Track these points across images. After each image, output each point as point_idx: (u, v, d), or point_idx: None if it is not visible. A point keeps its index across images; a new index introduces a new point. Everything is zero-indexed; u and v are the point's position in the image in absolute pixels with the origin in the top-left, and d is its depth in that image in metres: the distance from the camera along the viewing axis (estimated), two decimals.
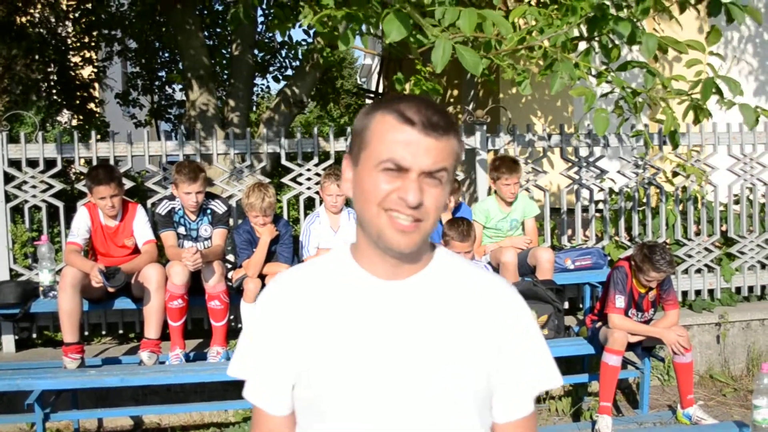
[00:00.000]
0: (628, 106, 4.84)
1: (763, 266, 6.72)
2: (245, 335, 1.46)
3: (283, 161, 6.01)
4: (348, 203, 5.40)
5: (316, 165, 5.99)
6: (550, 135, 6.36)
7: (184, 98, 13.36)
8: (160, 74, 13.64)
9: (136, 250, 5.08)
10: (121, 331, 5.74)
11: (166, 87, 13.84)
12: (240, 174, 5.92)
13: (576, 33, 4.80)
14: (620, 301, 4.65)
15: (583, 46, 5.05)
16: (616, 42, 4.88)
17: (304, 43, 8.38)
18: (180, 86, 13.14)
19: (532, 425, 1.43)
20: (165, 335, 4.90)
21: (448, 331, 1.34)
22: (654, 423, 4.83)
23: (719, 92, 4.68)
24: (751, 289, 6.68)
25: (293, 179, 6.00)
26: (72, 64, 11.83)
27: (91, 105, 12.00)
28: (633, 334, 4.67)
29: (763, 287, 6.71)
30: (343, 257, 1.43)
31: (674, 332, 4.63)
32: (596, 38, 4.67)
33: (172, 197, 5.12)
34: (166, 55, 13.47)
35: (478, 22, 3.80)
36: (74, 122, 11.81)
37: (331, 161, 5.96)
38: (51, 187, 5.69)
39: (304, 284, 1.42)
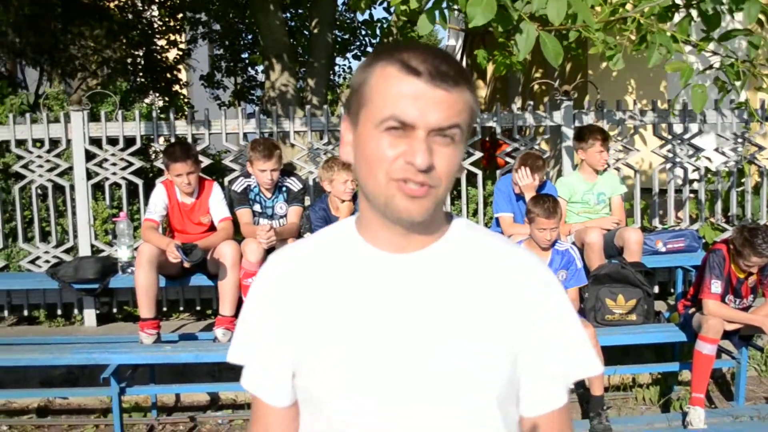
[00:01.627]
0: (729, 79, 4.48)
1: None
2: (242, 318, 1.31)
3: None
4: None
5: None
6: (642, 111, 6.01)
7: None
8: (243, 56, 13.78)
9: (211, 228, 5.05)
10: (198, 308, 5.76)
11: (249, 68, 13.98)
12: (317, 152, 5.83)
13: (671, 1, 4.48)
14: (716, 286, 4.33)
15: (678, 17, 4.73)
16: (716, 9, 4.53)
17: (384, 21, 8.22)
18: (262, 67, 13.27)
19: (566, 419, 1.25)
20: (239, 311, 4.85)
21: (465, 310, 1.17)
22: (751, 417, 4.50)
23: None
24: None
25: None
26: (158, 47, 12.05)
27: (176, 87, 12.21)
28: (729, 322, 4.36)
29: None
30: (346, 231, 1.27)
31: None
32: (694, 5, 4.33)
33: (247, 175, 5.06)
34: (249, 37, 13.59)
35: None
36: (160, 103, 12.04)
37: None
38: (130, 164, 5.74)
39: (302, 262, 1.26)
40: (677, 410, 4.74)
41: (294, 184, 5.09)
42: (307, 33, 11.87)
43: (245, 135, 5.86)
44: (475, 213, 6.06)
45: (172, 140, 5.67)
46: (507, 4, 3.48)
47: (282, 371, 1.25)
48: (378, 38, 8.57)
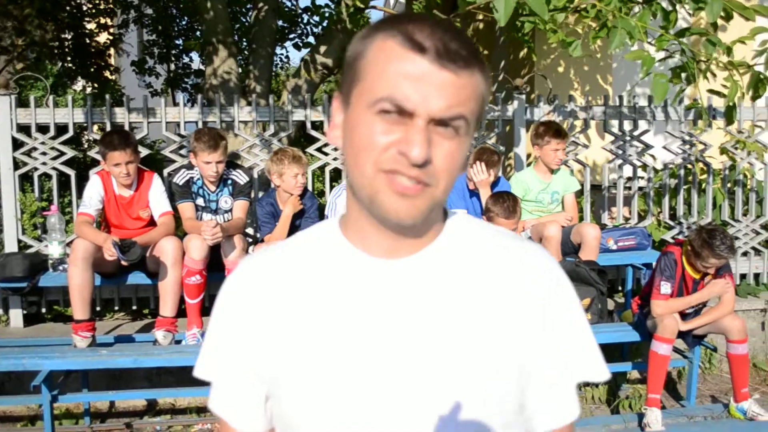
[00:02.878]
0: (688, 70, 4.43)
1: None
2: (212, 328, 1.12)
3: (309, 130, 5.65)
4: None
5: None
6: (590, 106, 5.96)
7: (202, 67, 13.13)
8: (177, 42, 13.33)
9: (151, 222, 4.76)
10: (134, 307, 5.45)
11: (183, 56, 13.53)
12: (264, 143, 5.57)
13: None
14: (666, 287, 4.31)
15: (636, 10, 4.66)
16: (674, 6, 4.49)
17: (328, 8, 7.99)
18: (198, 54, 12.86)
19: (574, 430, 1.10)
20: (181, 312, 4.60)
21: (466, 324, 1.00)
22: (705, 417, 4.49)
23: None
24: None
25: (318, 149, 5.65)
26: (87, 31, 11.52)
27: (106, 73, 11.70)
28: (683, 318, 4.35)
29: None
30: (329, 232, 1.09)
31: (717, 285, 4.29)
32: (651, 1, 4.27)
33: (190, 166, 4.79)
34: (184, 22, 13.15)
35: None
36: (88, 90, 11.51)
37: None
38: (62, 154, 5.38)
39: (279, 267, 1.08)
40: (626, 409, 4.71)
41: (240, 177, 4.85)
42: (245, 20, 11.55)
43: (186, 124, 5.56)
44: None
45: (108, 128, 5.32)
46: None
47: (256, 393, 1.08)
48: (324, 26, 8.33)
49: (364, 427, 0.99)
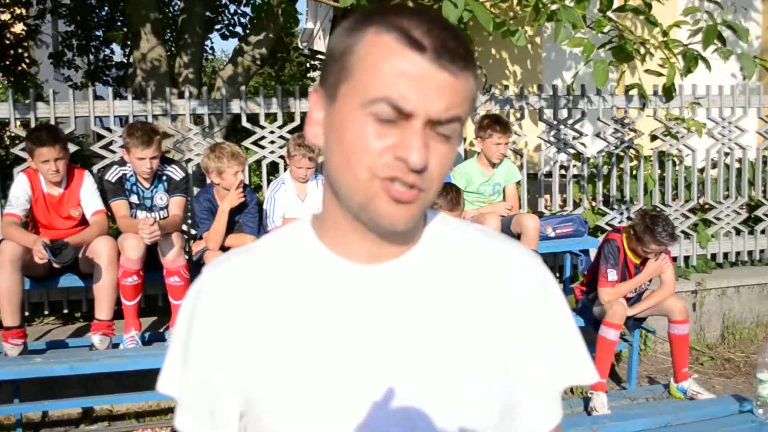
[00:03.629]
0: (627, 53, 4.50)
1: (738, 232, 6.57)
2: (176, 339, 1.05)
3: (244, 122, 5.52)
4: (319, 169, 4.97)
5: (280, 127, 5.52)
6: (525, 95, 6.02)
7: (125, 59, 12.72)
8: (97, 33, 12.86)
9: (82, 222, 4.58)
10: (66, 311, 5.23)
11: (104, 47, 13.07)
12: (198, 136, 5.42)
13: None
14: (612, 274, 4.40)
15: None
16: None
17: None
18: (120, 46, 12.44)
19: None
20: (117, 314, 4.43)
21: (450, 329, 0.96)
22: (647, 398, 4.60)
23: (721, 39, 4.38)
24: (726, 255, 6.53)
25: (254, 143, 5.53)
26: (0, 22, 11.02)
27: (23, 66, 11.21)
28: (627, 301, 4.45)
29: (737, 254, 6.56)
30: (302, 235, 1.03)
31: (656, 264, 4.41)
32: None
33: (122, 162, 4.61)
34: (103, 13, 12.69)
35: None
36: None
37: (296, 123, 5.51)
38: None
39: (249, 272, 1.02)
40: (569, 394, 4.78)
41: (175, 173, 4.69)
42: (169, 11, 11.25)
43: (116, 118, 5.34)
44: None
45: (33, 124, 5.09)
46: None
47: (228, 411, 1.00)
48: (254, 17, 8.15)
49: None
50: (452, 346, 0.96)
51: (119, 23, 12.43)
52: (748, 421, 3.44)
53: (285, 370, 0.95)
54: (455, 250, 1.02)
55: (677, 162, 6.39)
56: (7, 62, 10.84)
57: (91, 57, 13.04)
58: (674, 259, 6.31)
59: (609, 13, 4.65)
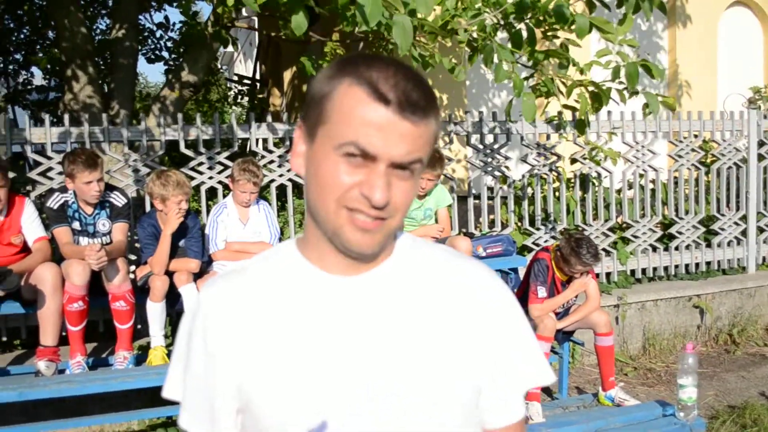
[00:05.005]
0: (548, 91, 4.83)
1: (654, 249, 6.99)
2: (177, 350, 1.22)
3: (182, 149, 5.60)
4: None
5: (218, 153, 5.62)
6: (455, 122, 6.30)
7: (45, 83, 12.49)
8: (16, 56, 12.62)
9: (24, 249, 4.57)
10: (4, 339, 5.16)
11: (23, 71, 12.83)
12: (134, 163, 5.46)
13: (495, 19, 4.75)
14: (542, 291, 4.67)
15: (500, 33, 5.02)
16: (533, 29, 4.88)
17: (188, 24, 7.89)
18: (40, 69, 12.22)
19: (523, 429, 1.25)
20: (62, 340, 4.43)
21: (420, 331, 1.12)
22: (578, 406, 4.87)
23: (634, 78, 4.73)
24: (643, 271, 6.93)
25: (193, 168, 5.60)
26: None
27: None
28: (557, 316, 4.71)
29: (654, 269, 6.97)
30: (287, 252, 1.19)
31: (580, 280, 4.70)
32: (524, 21, 4.61)
33: (63, 189, 4.62)
34: (22, 36, 12.47)
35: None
36: None
37: (234, 149, 5.63)
38: None
39: (240, 290, 1.17)
40: None
41: (118, 199, 4.74)
42: (93, 35, 11.13)
43: (52, 145, 5.33)
44: (301, 224, 6.00)
45: None
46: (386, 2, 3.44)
47: (225, 410, 1.16)
48: (183, 41, 8.20)
49: (338, 427, 1.08)
50: (417, 349, 1.11)
51: (40, 45, 12.24)
52: (671, 424, 3.75)
53: (273, 372, 1.11)
54: (422, 264, 1.19)
55: (596, 183, 6.77)
56: None
57: (10, 80, 12.78)
58: (597, 275, 6.67)
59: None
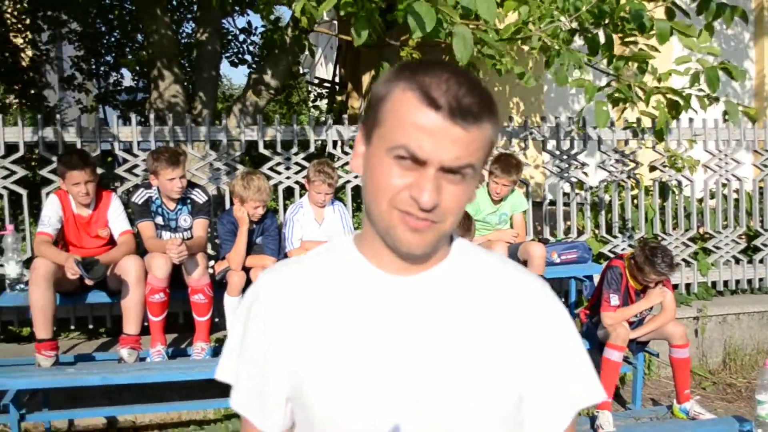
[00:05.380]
0: (625, 98, 4.77)
1: (737, 261, 6.79)
2: (233, 334, 1.26)
3: (261, 149, 5.75)
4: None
5: (296, 154, 5.75)
6: (531, 128, 6.26)
7: (133, 84, 12.96)
8: (107, 58, 13.12)
9: (110, 242, 4.77)
10: (91, 326, 5.40)
11: (113, 72, 13.32)
12: (213, 163, 5.64)
13: (569, 26, 4.72)
14: (615, 299, 4.60)
15: (576, 39, 4.99)
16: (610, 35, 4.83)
17: (272, 29, 8.07)
18: (129, 71, 12.68)
19: None
20: (144, 330, 4.61)
21: (468, 336, 1.14)
22: (651, 418, 4.78)
23: (714, 83, 4.62)
24: (725, 283, 6.74)
25: (271, 168, 5.74)
26: (13, 46, 11.25)
27: (33, 90, 11.42)
28: (630, 325, 4.64)
29: (737, 281, 6.77)
30: (345, 248, 1.23)
31: (655, 292, 4.62)
32: (600, 27, 4.57)
33: (148, 185, 4.81)
34: (113, 39, 12.96)
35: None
36: (14, 107, 11.23)
37: (310, 151, 5.75)
38: (12, 173, 5.31)
39: (299, 280, 1.22)
40: (580, 415, 4.95)
41: (199, 196, 4.90)
42: (179, 38, 11.50)
43: (139, 143, 5.56)
44: None
45: (60, 148, 5.30)
46: (447, 13, 3.48)
47: (276, 395, 1.20)
48: (264, 47, 8.40)
49: (378, 424, 1.12)
50: (466, 350, 1.14)
51: (129, 48, 12.70)
52: None
53: (324, 364, 1.15)
54: (476, 270, 1.21)
55: (676, 192, 6.62)
56: (20, 86, 11.06)
57: (101, 81, 13.28)
58: (675, 286, 6.53)
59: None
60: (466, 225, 4.46)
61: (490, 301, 1.17)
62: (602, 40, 4.70)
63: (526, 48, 5.22)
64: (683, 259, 6.54)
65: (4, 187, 5.30)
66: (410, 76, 1.07)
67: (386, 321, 1.14)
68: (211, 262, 5.16)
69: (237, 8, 10.05)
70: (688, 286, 6.59)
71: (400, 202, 1.06)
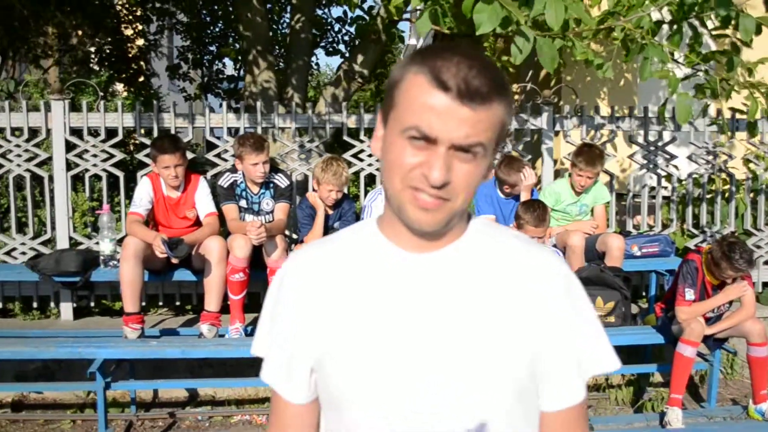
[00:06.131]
0: (708, 92, 4.64)
1: None
2: (265, 311, 1.34)
3: (345, 136, 5.89)
4: None
5: None
6: (617, 117, 6.15)
7: (235, 73, 13.44)
8: (210, 48, 13.64)
9: (196, 223, 5.02)
10: (178, 303, 5.70)
11: (217, 61, 13.84)
12: (302, 149, 5.83)
13: (656, 17, 4.62)
14: (690, 293, 4.49)
15: (664, 30, 4.88)
16: (701, 27, 4.71)
17: (362, 18, 8.21)
18: (231, 60, 13.16)
19: (582, 414, 1.26)
20: (224, 308, 4.84)
21: (483, 309, 1.18)
22: (724, 417, 4.66)
23: None
24: None
25: (354, 155, 5.88)
26: (124, 37, 11.87)
27: (142, 78, 12.02)
28: (706, 321, 4.52)
29: None
30: (368, 229, 1.29)
31: (735, 287, 4.47)
32: (686, 20, 4.46)
33: (234, 170, 5.04)
34: (217, 29, 13.45)
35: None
36: (124, 94, 11.84)
37: None
38: (111, 156, 5.66)
39: (324, 258, 1.29)
40: (648, 411, 4.87)
41: (281, 181, 5.09)
42: (277, 27, 11.84)
43: (230, 129, 5.82)
44: None
45: (155, 133, 5.61)
46: (509, 10, 3.52)
47: (301, 367, 1.27)
48: (357, 36, 8.56)
49: (397, 394, 1.18)
50: (482, 322, 1.19)
51: (231, 38, 13.15)
52: None
53: (346, 335, 1.22)
54: (491, 247, 1.26)
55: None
56: (130, 73, 11.66)
57: (204, 70, 13.82)
58: (765, 284, 6.30)
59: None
60: (541, 215, 4.46)
61: (502, 275, 1.22)
62: (689, 33, 4.58)
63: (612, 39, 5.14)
64: None
65: (104, 170, 5.65)
66: (422, 60, 1.12)
67: (403, 296, 1.21)
68: (292, 246, 5.34)
69: None
70: None
71: (413, 179, 1.12)
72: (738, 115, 5.93)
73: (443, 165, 1.09)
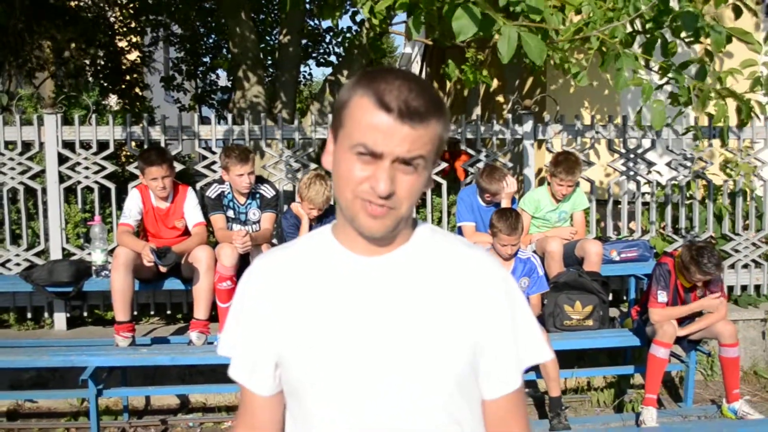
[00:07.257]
0: (680, 100, 4.79)
1: None
2: (231, 314, 1.46)
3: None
4: None
5: None
6: (599, 126, 6.30)
7: (228, 84, 13.55)
8: (204, 60, 13.77)
9: (185, 232, 5.16)
10: (168, 312, 5.84)
11: (210, 73, 13.96)
12: (287, 165, 5.97)
13: (630, 28, 4.76)
14: (662, 296, 4.64)
15: (638, 40, 5.02)
16: (672, 38, 4.85)
17: (350, 30, 8.38)
18: (225, 72, 13.28)
19: (520, 400, 1.41)
20: (213, 316, 4.98)
21: (427, 307, 1.32)
22: (699, 416, 4.80)
23: None
24: None
25: None
26: (118, 49, 11.99)
27: (136, 89, 12.14)
28: (679, 324, 4.66)
29: None
30: (323, 235, 1.42)
31: (709, 300, 4.63)
32: (658, 30, 4.61)
33: (221, 181, 5.18)
34: (210, 41, 13.59)
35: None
36: (117, 107, 11.95)
37: None
38: (103, 168, 5.80)
39: (286, 263, 1.42)
40: (629, 412, 5.00)
41: (267, 191, 5.23)
42: (270, 39, 11.99)
43: (217, 141, 5.96)
44: (440, 221, 6.27)
45: (145, 145, 5.76)
46: (492, 14, 3.61)
47: (265, 363, 1.40)
48: (344, 48, 8.73)
49: (350, 384, 1.31)
50: (426, 318, 1.33)
51: (225, 50, 13.29)
52: None
53: (300, 333, 1.36)
54: (435, 251, 1.41)
55: (748, 191, 6.51)
56: (123, 86, 11.78)
57: (198, 81, 13.95)
58: (744, 287, 6.44)
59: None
60: (513, 224, 4.58)
61: (448, 276, 1.35)
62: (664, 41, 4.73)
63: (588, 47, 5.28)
64: (753, 260, 6.43)
65: (95, 182, 5.79)
66: (367, 83, 1.25)
67: (355, 295, 1.35)
68: None
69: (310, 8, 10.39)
70: (757, 287, 6.47)
71: (362, 191, 1.24)
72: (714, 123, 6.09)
73: (388, 177, 1.23)
